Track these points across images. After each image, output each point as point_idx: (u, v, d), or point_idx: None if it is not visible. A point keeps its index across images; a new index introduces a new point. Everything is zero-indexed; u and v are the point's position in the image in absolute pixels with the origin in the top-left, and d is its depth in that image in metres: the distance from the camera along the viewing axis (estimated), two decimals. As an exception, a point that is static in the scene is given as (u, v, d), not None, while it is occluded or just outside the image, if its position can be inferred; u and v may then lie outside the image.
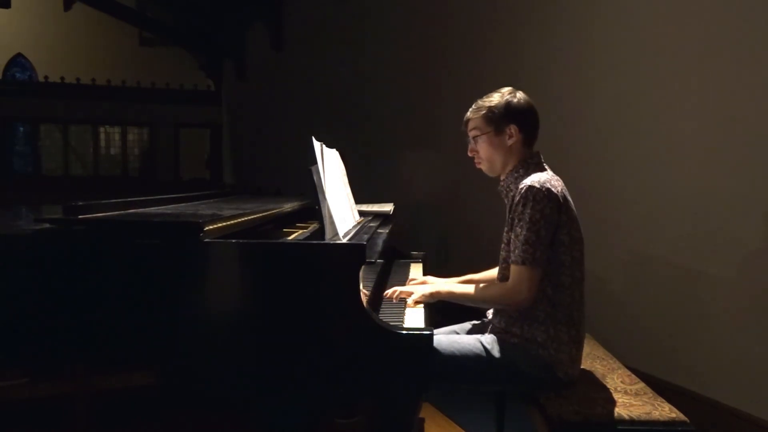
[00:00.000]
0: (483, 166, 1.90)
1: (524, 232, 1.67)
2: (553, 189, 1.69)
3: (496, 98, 1.84)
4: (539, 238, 1.66)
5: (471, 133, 1.88)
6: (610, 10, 3.00)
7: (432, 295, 1.87)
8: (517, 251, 1.69)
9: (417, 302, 1.88)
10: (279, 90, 7.99)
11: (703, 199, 2.55)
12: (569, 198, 1.75)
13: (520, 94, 1.84)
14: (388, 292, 1.93)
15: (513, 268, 1.71)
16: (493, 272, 2.14)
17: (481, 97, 1.88)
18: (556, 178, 1.78)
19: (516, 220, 1.72)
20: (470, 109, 1.89)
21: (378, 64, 5.49)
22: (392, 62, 5.28)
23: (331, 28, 6.45)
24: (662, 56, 2.72)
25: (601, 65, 3.05)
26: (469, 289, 1.86)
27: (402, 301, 1.91)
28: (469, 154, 1.92)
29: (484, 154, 1.86)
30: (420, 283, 2.09)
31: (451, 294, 1.87)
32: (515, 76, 3.71)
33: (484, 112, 1.83)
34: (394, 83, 5.25)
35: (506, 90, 1.85)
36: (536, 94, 3.70)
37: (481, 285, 1.87)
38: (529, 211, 1.67)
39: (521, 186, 1.72)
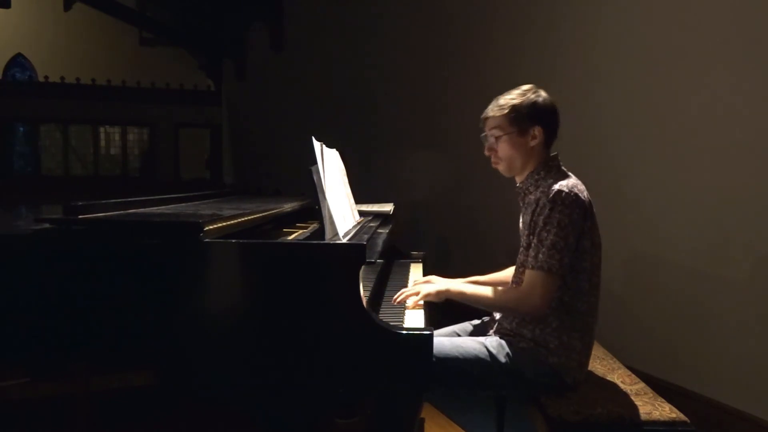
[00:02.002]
0: (501, 167, 1.81)
1: (551, 237, 1.61)
2: (580, 194, 1.65)
3: (520, 97, 1.74)
4: (567, 244, 1.61)
5: (491, 132, 1.78)
6: (617, 7, 2.99)
7: (439, 293, 1.76)
8: (539, 256, 1.62)
9: (422, 300, 1.77)
10: (279, 90, 7.99)
11: (704, 199, 2.55)
12: (592, 203, 1.71)
13: (543, 93, 1.76)
14: (396, 297, 1.81)
15: (529, 272, 1.64)
16: (499, 275, 2.12)
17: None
18: (580, 182, 1.73)
19: (542, 224, 1.64)
20: (490, 107, 1.79)
21: (378, 64, 5.50)
22: (392, 62, 5.28)
23: (331, 28, 6.46)
24: (669, 55, 2.71)
25: (608, 63, 3.04)
26: (480, 290, 1.76)
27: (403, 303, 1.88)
28: (486, 153, 1.83)
29: (504, 154, 1.77)
30: (424, 282, 2.05)
31: (461, 294, 1.76)
32: (518, 75, 3.68)
33: (507, 111, 1.74)
34: (394, 83, 5.25)
35: (528, 88, 1.77)
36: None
37: (493, 287, 1.77)
38: (557, 215, 1.61)
39: (550, 190, 1.65)
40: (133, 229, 1.56)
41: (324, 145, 1.84)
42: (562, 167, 1.79)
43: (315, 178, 1.66)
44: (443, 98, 4.50)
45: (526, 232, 1.75)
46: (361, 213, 2.41)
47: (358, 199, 2.42)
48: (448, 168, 4.36)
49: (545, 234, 1.63)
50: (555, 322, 1.69)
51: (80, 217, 1.57)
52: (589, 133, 3.13)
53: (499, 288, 1.78)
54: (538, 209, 1.67)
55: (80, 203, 1.63)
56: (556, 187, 1.65)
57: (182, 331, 1.49)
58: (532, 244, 1.67)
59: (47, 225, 1.63)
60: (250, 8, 8.41)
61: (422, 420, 2.50)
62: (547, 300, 1.63)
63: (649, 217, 2.81)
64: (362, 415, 2.18)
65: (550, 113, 1.76)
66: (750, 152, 2.36)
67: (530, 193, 1.78)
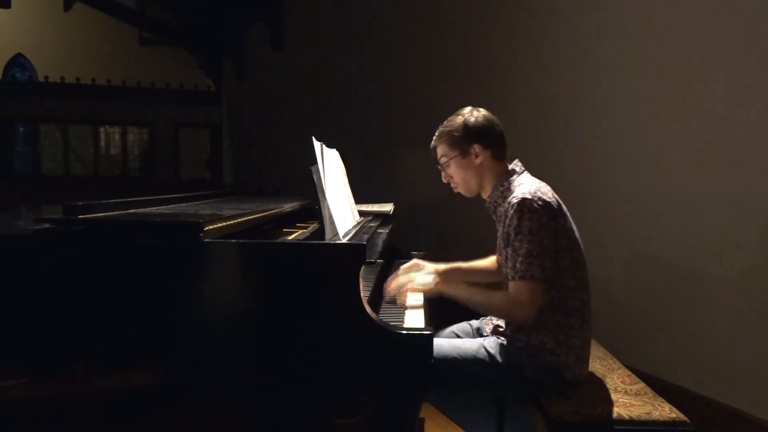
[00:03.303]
0: (460, 189, 1.89)
1: (525, 245, 1.63)
2: (544, 196, 1.67)
3: (455, 121, 1.83)
4: (543, 248, 1.63)
5: (440, 161, 1.88)
6: (609, 10, 3.00)
7: (434, 291, 1.84)
8: (517, 265, 1.64)
9: (417, 288, 1.86)
10: (279, 90, 7.99)
11: (703, 199, 2.55)
12: (560, 200, 1.74)
13: (477, 112, 1.82)
14: (392, 287, 1.89)
15: (512, 283, 1.67)
16: (482, 263, 2.17)
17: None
18: (543, 183, 1.76)
19: (513, 234, 1.66)
20: (434, 137, 1.88)
21: (378, 64, 5.50)
22: (392, 62, 5.28)
23: (331, 28, 6.46)
24: (661, 56, 2.72)
25: (601, 65, 3.05)
26: (475, 294, 1.79)
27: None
28: (444, 180, 1.91)
29: (458, 177, 1.86)
30: (412, 266, 2.03)
31: (456, 295, 1.80)
32: (514, 76, 3.71)
33: (444, 137, 1.84)
34: (394, 83, 5.25)
35: (466, 110, 1.84)
36: (535, 94, 3.69)
37: (486, 291, 1.79)
38: (527, 223, 1.63)
39: (512, 200, 1.69)
40: (133, 229, 1.56)
41: (324, 145, 1.84)
42: (523, 173, 1.82)
43: (315, 178, 1.66)
44: (443, 98, 4.50)
45: (502, 245, 1.77)
46: (361, 213, 2.41)
47: (358, 199, 2.42)
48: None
49: (518, 243, 1.65)
50: (550, 323, 1.70)
51: (80, 217, 1.57)
52: (590, 133, 3.13)
53: (492, 292, 1.80)
54: (508, 220, 1.70)
55: (80, 203, 1.63)
56: (519, 195, 1.68)
57: (182, 331, 1.49)
58: (509, 255, 1.69)
59: (47, 225, 1.63)
60: (250, 8, 8.40)
61: (422, 420, 2.51)
62: (535, 307, 1.66)
63: (648, 217, 2.81)
64: (362, 415, 2.18)
65: (484, 129, 1.81)
66: (749, 152, 2.36)
67: (499, 205, 1.82)
